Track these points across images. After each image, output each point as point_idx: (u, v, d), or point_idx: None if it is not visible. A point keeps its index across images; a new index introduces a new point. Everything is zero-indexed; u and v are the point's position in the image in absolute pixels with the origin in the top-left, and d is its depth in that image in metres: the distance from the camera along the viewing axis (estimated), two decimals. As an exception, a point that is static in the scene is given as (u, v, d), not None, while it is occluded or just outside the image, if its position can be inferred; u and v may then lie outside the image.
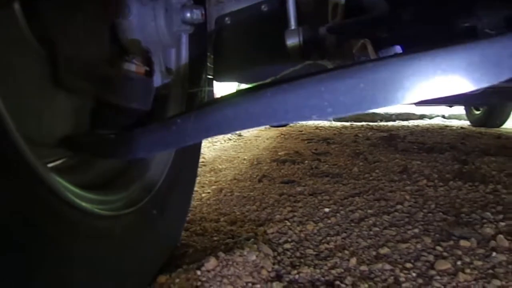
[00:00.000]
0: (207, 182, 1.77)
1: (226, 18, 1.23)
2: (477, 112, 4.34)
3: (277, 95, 0.57)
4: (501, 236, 0.99)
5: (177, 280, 0.71)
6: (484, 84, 0.54)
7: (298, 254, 0.95)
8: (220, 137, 3.55)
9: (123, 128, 0.71)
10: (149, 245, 0.75)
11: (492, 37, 0.54)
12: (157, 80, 0.87)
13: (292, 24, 0.81)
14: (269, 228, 1.12)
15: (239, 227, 1.15)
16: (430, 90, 0.53)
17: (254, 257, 0.82)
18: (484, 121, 4.20)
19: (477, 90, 1.05)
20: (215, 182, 1.77)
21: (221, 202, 1.41)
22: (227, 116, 0.59)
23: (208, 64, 1.41)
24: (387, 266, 0.86)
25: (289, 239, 1.04)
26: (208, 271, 0.75)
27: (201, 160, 2.34)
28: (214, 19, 1.26)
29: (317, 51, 0.83)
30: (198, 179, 1.82)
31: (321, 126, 4.57)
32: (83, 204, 0.58)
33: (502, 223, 1.11)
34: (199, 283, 0.70)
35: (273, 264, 0.87)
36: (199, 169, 2.05)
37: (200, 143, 1.06)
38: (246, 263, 0.80)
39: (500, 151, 2.43)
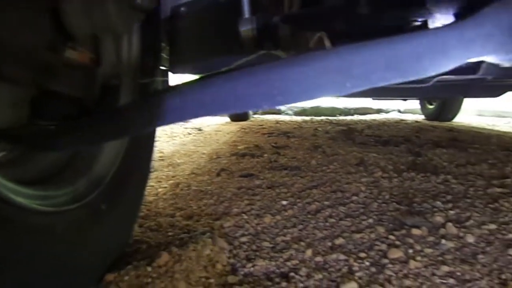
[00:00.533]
0: (164, 176, 1.73)
1: (182, 8, 1.20)
2: (431, 107, 4.50)
3: (227, 83, 0.56)
4: (450, 224, 1.02)
5: (126, 278, 0.68)
6: (431, 72, 0.55)
7: (254, 247, 0.94)
8: (180, 131, 3.49)
9: (66, 118, 0.67)
10: (97, 242, 0.71)
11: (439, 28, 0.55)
12: (106, 69, 0.83)
13: (246, 12, 0.80)
14: (226, 222, 1.10)
15: (195, 221, 1.12)
16: (378, 78, 0.53)
17: (208, 251, 0.80)
18: (437, 115, 4.37)
19: (427, 83, 1.07)
20: (173, 176, 1.73)
21: (178, 197, 1.38)
22: (176, 105, 0.57)
23: (164, 55, 1.37)
24: (342, 256, 0.87)
25: (246, 233, 1.03)
26: (160, 266, 0.72)
27: (159, 154, 2.29)
28: (169, 9, 1.23)
29: (271, 41, 0.82)
30: (155, 174, 1.78)
31: (281, 121, 4.59)
32: (20, 199, 0.54)
33: (452, 212, 1.15)
34: (149, 280, 0.68)
35: (229, 258, 0.86)
36: (156, 164, 2.01)
37: (154, 135, 1.03)
38: (200, 257, 0.78)
39: (451, 143, 2.53)
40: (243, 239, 0.99)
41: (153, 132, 1.02)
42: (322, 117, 4.99)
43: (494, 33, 0.52)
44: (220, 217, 1.16)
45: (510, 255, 0.87)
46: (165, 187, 1.53)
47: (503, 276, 0.78)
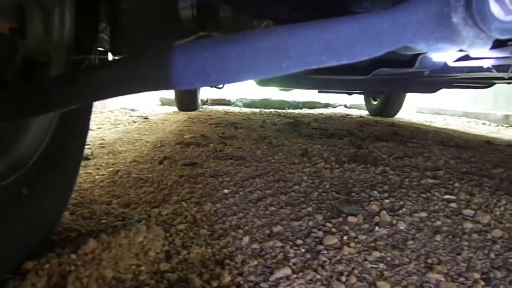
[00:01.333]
0: (103, 164, 1.66)
1: (123, -14, 1.14)
2: (375, 102, 4.67)
3: (159, 61, 0.53)
4: (384, 212, 1.06)
5: (46, 266, 0.63)
6: (364, 56, 0.55)
7: (191, 234, 0.92)
8: (124, 119, 3.37)
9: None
10: (15, 229, 0.66)
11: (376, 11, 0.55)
12: (32, 43, 0.77)
13: (186, -9, 0.77)
14: (164, 209, 1.07)
15: (132, 209, 1.08)
16: (313, 60, 0.53)
17: (141, 239, 0.77)
18: (381, 111, 4.54)
19: (367, 75, 1.08)
20: (113, 164, 1.66)
21: (116, 184, 1.33)
22: (99, 82, 0.54)
23: (105, 36, 1.30)
24: (278, 243, 0.87)
25: (184, 220, 1.01)
26: (86, 254, 0.68)
27: (100, 142, 2.19)
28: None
29: (212, 23, 0.80)
30: (94, 161, 1.70)
31: (230, 112, 4.57)
32: None
33: (387, 201, 1.18)
34: (72, 268, 0.64)
35: (163, 245, 0.83)
36: (96, 151, 1.92)
37: (88, 117, 0.97)
38: (132, 245, 0.75)
39: (391, 137, 2.63)
40: (181, 226, 0.96)
41: (87, 113, 0.96)
42: (271, 110, 5.03)
43: (425, 20, 0.52)
44: (159, 204, 1.13)
45: (437, 241, 0.92)
46: (103, 175, 1.46)
47: (429, 260, 0.81)
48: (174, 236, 0.90)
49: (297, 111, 5.10)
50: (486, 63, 0.94)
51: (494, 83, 2.09)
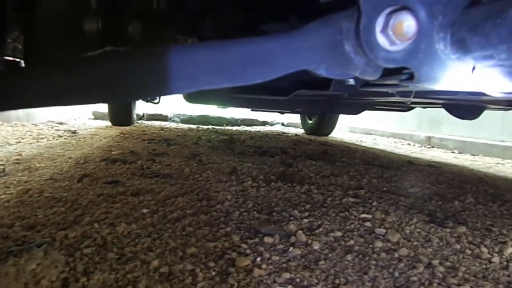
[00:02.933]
0: (15, 182, 1.54)
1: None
2: (310, 121, 4.80)
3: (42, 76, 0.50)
4: (300, 232, 1.07)
5: None
6: (257, 79, 0.55)
7: (97, 259, 0.86)
8: (49, 133, 3.18)
9: None
10: None
11: (269, 35, 0.56)
12: None
13: (93, 5, 0.74)
14: (72, 231, 1.00)
15: (36, 232, 1.00)
16: (205, 81, 0.52)
17: (34, 266, 0.71)
18: (315, 130, 4.67)
19: (287, 96, 1.09)
20: (26, 182, 1.54)
21: (23, 204, 1.23)
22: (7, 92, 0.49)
23: (19, 46, 1.23)
24: (189, 266, 0.84)
25: (93, 243, 0.95)
26: (-39, 286, 0.61)
27: (15, 157, 2.04)
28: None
29: (121, 38, 0.77)
30: (4, 179, 1.58)
31: (166, 128, 4.48)
32: None
33: (306, 220, 1.20)
34: None
35: (61, 272, 0.77)
36: (9, 168, 1.78)
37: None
38: (21, 273, 0.68)
39: (321, 156, 2.71)
40: (87, 250, 0.90)
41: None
42: (209, 126, 5.00)
43: (318, 47, 0.54)
44: (68, 226, 1.05)
45: (348, 260, 0.94)
46: (11, 194, 1.35)
47: (337, 281, 0.83)
48: (77, 262, 0.84)
49: (235, 128, 5.11)
50: (390, 89, 0.99)
51: (414, 107, 2.23)
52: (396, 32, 0.51)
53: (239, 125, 5.46)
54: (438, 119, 4.63)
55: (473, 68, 0.51)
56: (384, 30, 0.51)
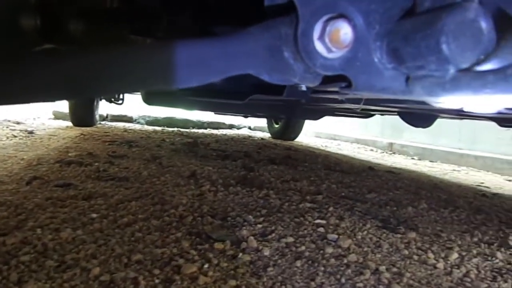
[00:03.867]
0: (-43, 184, 1.45)
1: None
2: (276, 126, 4.82)
3: None
4: (252, 237, 1.06)
5: None
6: (194, 83, 0.54)
7: (34, 267, 0.82)
8: (3, 133, 3.05)
9: None
10: None
11: (207, 37, 0.55)
12: None
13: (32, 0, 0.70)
14: (12, 238, 0.95)
15: (-29, 238, 0.95)
16: (136, 84, 0.50)
17: (-41, 275, 0.67)
18: (282, 134, 4.69)
19: (243, 100, 1.07)
20: (-31, 184, 1.46)
21: (-38, 208, 1.16)
22: None
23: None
24: (132, 274, 0.81)
25: (32, 250, 0.90)
26: None
27: (-38, 158, 1.94)
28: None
29: (62, 35, 0.74)
30: None
31: (130, 129, 4.39)
32: None
33: (260, 226, 1.19)
34: None
35: (-8, 281, 0.73)
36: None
37: None
38: None
39: (284, 160, 2.71)
40: (25, 258, 0.86)
41: None
42: (174, 129, 4.94)
43: (257, 51, 0.53)
44: (8, 232, 1.00)
45: (297, 266, 0.93)
46: (-49, 197, 1.27)
47: (277, 287, 0.82)
48: (12, 270, 0.79)
49: (201, 131, 5.07)
50: (339, 96, 1.00)
51: (373, 114, 2.27)
52: (332, 40, 0.51)
53: (205, 128, 5.42)
54: (400, 126, 4.75)
55: (407, 78, 0.52)
56: (321, 37, 0.51)
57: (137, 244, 0.99)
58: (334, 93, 0.88)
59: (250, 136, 4.81)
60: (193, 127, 5.35)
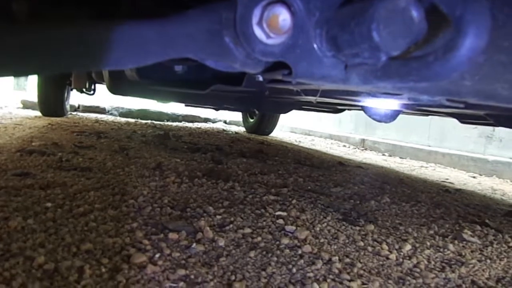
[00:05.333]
0: None
1: None
2: (251, 120, 4.82)
3: None
4: (208, 228, 1.05)
5: None
6: (129, 64, 0.52)
7: (-25, 256, 0.79)
8: (-34, 121, 2.94)
9: None
10: None
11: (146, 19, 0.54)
12: None
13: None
14: (-44, 226, 0.92)
15: None
16: (69, 64, 0.49)
17: None
18: (256, 128, 4.70)
19: (204, 90, 1.05)
20: None
21: None
22: None
23: None
24: (78, 263, 0.80)
25: (-24, 239, 0.87)
26: None
27: None
28: None
29: (4, 18, 0.71)
30: None
31: (102, 120, 4.31)
32: None
33: (219, 217, 1.19)
34: None
35: None
36: None
37: None
38: None
39: (255, 154, 2.71)
40: (-32, 246, 0.83)
41: None
42: (148, 121, 4.87)
43: (196, 35, 0.52)
44: (-46, 220, 0.97)
45: (250, 257, 0.93)
46: None
47: (233, 277, 0.82)
48: (-51, 259, 0.77)
49: (175, 124, 5.02)
50: (293, 87, 1.00)
51: (342, 110, 2.29)
52: (271, 25, 0.50)
53: (180, 121, 5.37)
54: (373, 123, 4.82)
55: (345, 66, 0.52)
56: (259, 22, 0.50)
57: (89, 233, 0.97)
58: (287, 83, 0.88)
59: (224, 130, 4.79)
60: (168, 120, 5.29)
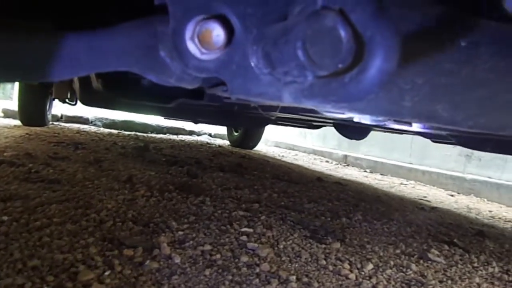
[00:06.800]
0: None
1: None
2: (236, 134, 4.80)
3: None
4: (165, 244, 1.03)
5: None
6: (63, 76, 0.51)
7: None
8: None
9: None
10: None
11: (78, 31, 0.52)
12: None
13: None
14: None
15: None
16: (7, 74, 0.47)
17: None
18: (240, 142, 4.67)
19: (170, 104, 1.04)
20: None
21: None
22: None
23: None
24: (20, 281, 0.77)
25: None
26: None
27: None
28: None
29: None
30: None
31: (84, 131, 4.26)
32: None
33: (181, 232, 1.16)
34: None
35: None
36: None
37: None
38: None
39: (234, 168, 2.69)
40: None
41: None
42: (132, 132, 4.83)
43: (129, 48, 0.51)
44: None
45: (205, 275, 0.91)
46: None
47: (181, 297, 0.80)
48: None
49: (159, 136, 4.98)
50: (251, 102, 1.00)
51: (321, 126, 2.29)
52: (204, 41, 0.49)
53: (164, 133, 5.33)
54: (356, 139, 4.84)
55: (280, 84, 0.51)
56: (193, 37, 0.49)
57: (41, 249, 0.94)
58: (250, 100, 0.87)
59: (208, 143, 4.77)
60: (152, 132, 5.25)
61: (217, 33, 0.49)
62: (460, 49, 0.50)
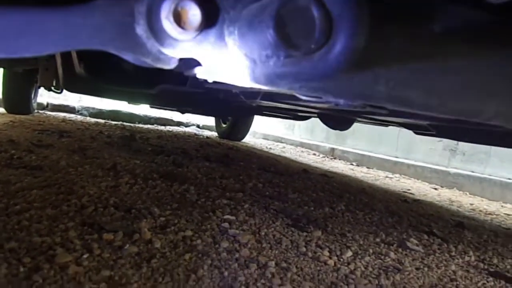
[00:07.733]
0: None
1: None
2: (224, 125, 4.79)
3: None
4: (146, 229, 1.03)
5: None
6: (30, 52, 0.50)
7: None
8: None
9: None
10: None
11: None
12: None
13: None
14: None
15: None
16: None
17: None
18: (228, 134, 4.67)
19: (152, 89, 1.03)
20: None
21: None
22: None
23: None
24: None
25: None
26: None
27: None
28: None
29: None
30: None
31: (70, 120, 4.22)
32: None
33: (163, 218, 1.16)
34: None
35: None
36: None
37: None
38: None
39: (220, 159, 2.70)
40: None
41: None
42: (119, 122, 4.79)
43: (104, 26, 0.51)
44: None
45: (184, 259, 0.92)
46: None
47: (160, 279, 0.80)
48: None
49: (146, 126, 4.95)
50: (234, 88, 1.00)
51: (304, 117, 2.30)
52: (179, 20, 0.49)
53: (152, 124, 5.30)
54: (344, 132, 4.87)
55: (255, 65, 0.51)
56: (169, 16, 0.49)
57: (19, 232, 0.94)
58: (230, 85, 0.87)
59: (195, 134, 4.76)
60: (140, 122, 5.22)
61: (193, 12, 0.49)
62: (434, 34, 0.50)
